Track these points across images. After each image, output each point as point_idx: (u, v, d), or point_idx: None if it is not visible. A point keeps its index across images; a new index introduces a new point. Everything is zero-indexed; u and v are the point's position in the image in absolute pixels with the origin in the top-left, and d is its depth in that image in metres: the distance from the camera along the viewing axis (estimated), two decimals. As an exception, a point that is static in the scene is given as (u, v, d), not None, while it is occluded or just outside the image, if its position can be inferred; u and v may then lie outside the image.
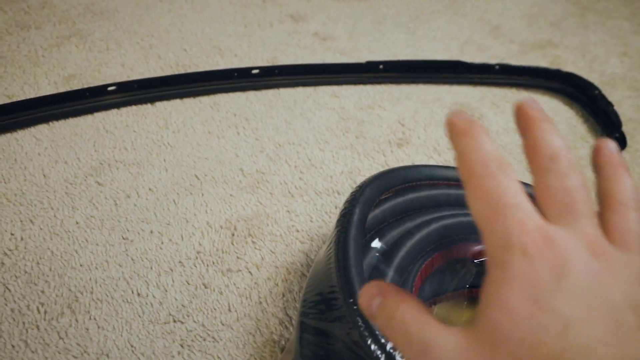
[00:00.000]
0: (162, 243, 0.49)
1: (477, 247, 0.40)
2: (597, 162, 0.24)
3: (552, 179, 0.22)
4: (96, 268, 0.46)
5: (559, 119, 0.67)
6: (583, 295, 0.19)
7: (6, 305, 0.43)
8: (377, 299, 0.24)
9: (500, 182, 0.21)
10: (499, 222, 0.20)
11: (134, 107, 0.63)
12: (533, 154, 0.23)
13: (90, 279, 0.45)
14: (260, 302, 0.45)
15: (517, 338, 0.19)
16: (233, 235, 0.50)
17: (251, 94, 0.67)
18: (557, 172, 0.22)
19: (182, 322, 0.43)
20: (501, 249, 0.20)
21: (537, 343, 0.19)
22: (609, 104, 0.67)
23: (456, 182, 0.43)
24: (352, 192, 0.39)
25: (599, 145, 0.25)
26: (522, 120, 0.24)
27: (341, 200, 0.53)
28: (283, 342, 0.42)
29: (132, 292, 0.45)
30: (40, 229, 0.49)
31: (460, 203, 0.42)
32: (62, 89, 0.65)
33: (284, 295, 0.45)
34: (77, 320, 0.43)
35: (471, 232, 0.40)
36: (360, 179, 0.56)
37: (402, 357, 0.30)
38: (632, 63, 0.78)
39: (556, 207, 0.21)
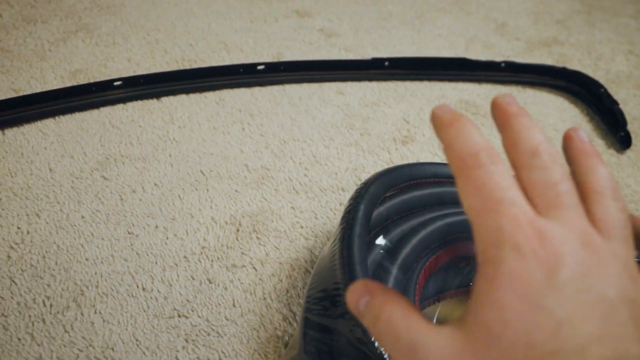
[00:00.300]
0: (167, 238, 0.49)
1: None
2: (569, 153, 0.24)
3: (535, 174, 0.21)
4: (102, 262, 0.46)
5: (564, 117, 0.67)
6: (576, 292, 0.19)
7: (12, 298, 0.43)
8: (364, 298, 0.24)
9: (492, 174, 0.21)
10: (491, 217, 0.20)
11: (139, 102, 0.63)
12: (513, 151, 0.22)
13: (95, 273, 0.46)
14: (265, 298, 0.45)
15: (509, 338, 0.19)
16: (238, 231, 0.50)
17: (256, 90, 0.67)
18: (539, 166, 0.21)
19: (186, 317, 0.43)
20: (493, 246, 0.20)
21: (531, 343, 0.19)
22: (615, 103, 0.66)
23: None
24: (356, 189, 0.39)
25: (569, 135, 0.24)
26: (500, 116, 0.23)
27: (346, 197, 0.54)
28: (287, 338, 0.42)
29: (137, 287, 0.45)
30: (47, 222, 0.49)
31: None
32: (68, 84, 0.65)
33: (288, 292, 0.46)
34: (82, 314, 0.43)
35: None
36: (364, 176, 0.56)
37: (390, 358, 0.30)
38: (638, 61, 0.78)
39: (542, 200, 0.21)
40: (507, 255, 0.19)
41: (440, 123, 0.23)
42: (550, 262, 0.19)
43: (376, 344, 0.30)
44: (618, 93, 0.71)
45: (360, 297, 0.24)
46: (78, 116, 0.61)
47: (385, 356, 0.30)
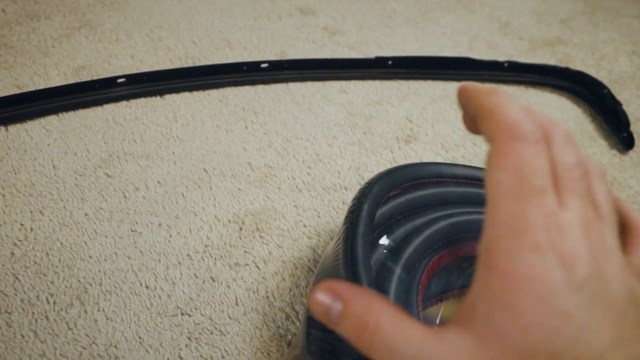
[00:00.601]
0: (170, 236, 0.49)
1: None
2: None
3: (552, 150, 0.20)
4: (105, 260, 0.47)
5: (567, 117, 0.67)
6: (591, 293, 0.18)
7: (16, 295, 0.44)
8: (336, 305, 0.21)
9: (534, 152, 0.19)
10: (518, 202, 0.18)
11: (143, 100, 0.63)
12: None
13: (99, 270, 0.46)
14: (268, 297, 0.45)
15: (528, 345, 0.17)
16: (241, 229, 0.50)
17: (260, 88, 0.67)
18: (555, 143, 0.20)
19: (189, 315, 0.43)
20: (510, 236, 0.18)
21: (551, 351, 0.17)
22: (617, 103, 0.66)
23: (464, 180, 0.43)
24: (360, 189, 0.39)
25: None
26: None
27: (348, 196, 0.54)
28: (289, 337, 0.42)
29: (141, 285, 0.45)
30: (50, 220, 0.49)
31: (468, 201, 0.43)
32: (71, 80, 0.65)
33: (290, 290, 0.46)
34: (86, 312, 0.43)
35: (478, 231, 0.40)
36: (367, 175, 0.56)
37: None
38: (641, 62, 0.78)
39: (556, 182, 0.19)
40: (525, 252, 0.18)
41: (477, 91, 0.21)
42: (568, 260, 0.18)
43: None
44: (621, 93, 0.71)
45: (329, 303, 0.21)
46: (81, 113, 0.61)
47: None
